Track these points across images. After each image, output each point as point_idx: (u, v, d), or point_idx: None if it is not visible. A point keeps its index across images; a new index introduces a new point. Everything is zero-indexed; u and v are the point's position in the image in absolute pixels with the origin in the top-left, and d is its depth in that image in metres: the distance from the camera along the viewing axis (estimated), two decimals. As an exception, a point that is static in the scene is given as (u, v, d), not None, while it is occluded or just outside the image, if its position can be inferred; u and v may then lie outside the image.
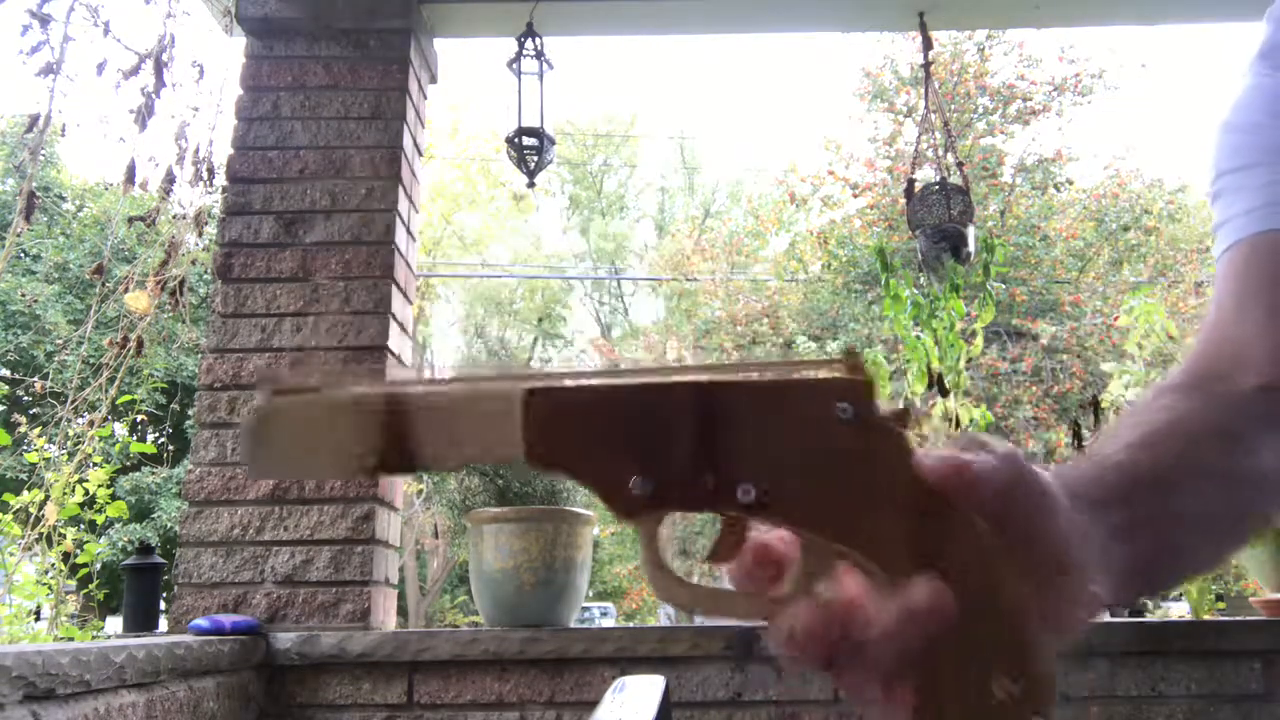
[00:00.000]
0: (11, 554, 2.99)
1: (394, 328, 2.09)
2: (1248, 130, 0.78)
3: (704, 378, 0.36)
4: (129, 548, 11.07)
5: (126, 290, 2.62)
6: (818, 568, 0.37)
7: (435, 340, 22.25)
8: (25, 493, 2.97)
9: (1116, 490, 0.51)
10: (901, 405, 0.39)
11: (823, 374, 0.35)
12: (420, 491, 14.93)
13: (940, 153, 2.79)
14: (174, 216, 2.65)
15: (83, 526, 3.07)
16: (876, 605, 0.35)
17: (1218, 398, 0.65)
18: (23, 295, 12.69)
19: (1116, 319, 2.54)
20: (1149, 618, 2.09)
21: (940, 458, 0.37)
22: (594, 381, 0.36)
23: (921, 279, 2.50)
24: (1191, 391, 0.67)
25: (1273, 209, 0.72)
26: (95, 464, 3.14)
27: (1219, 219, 0.76)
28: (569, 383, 0.36)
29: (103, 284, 2.86)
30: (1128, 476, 0.53)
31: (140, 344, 2.72)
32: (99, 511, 3.09)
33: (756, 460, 0.35)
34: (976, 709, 0.35)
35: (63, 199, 14.83)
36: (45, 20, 2.26)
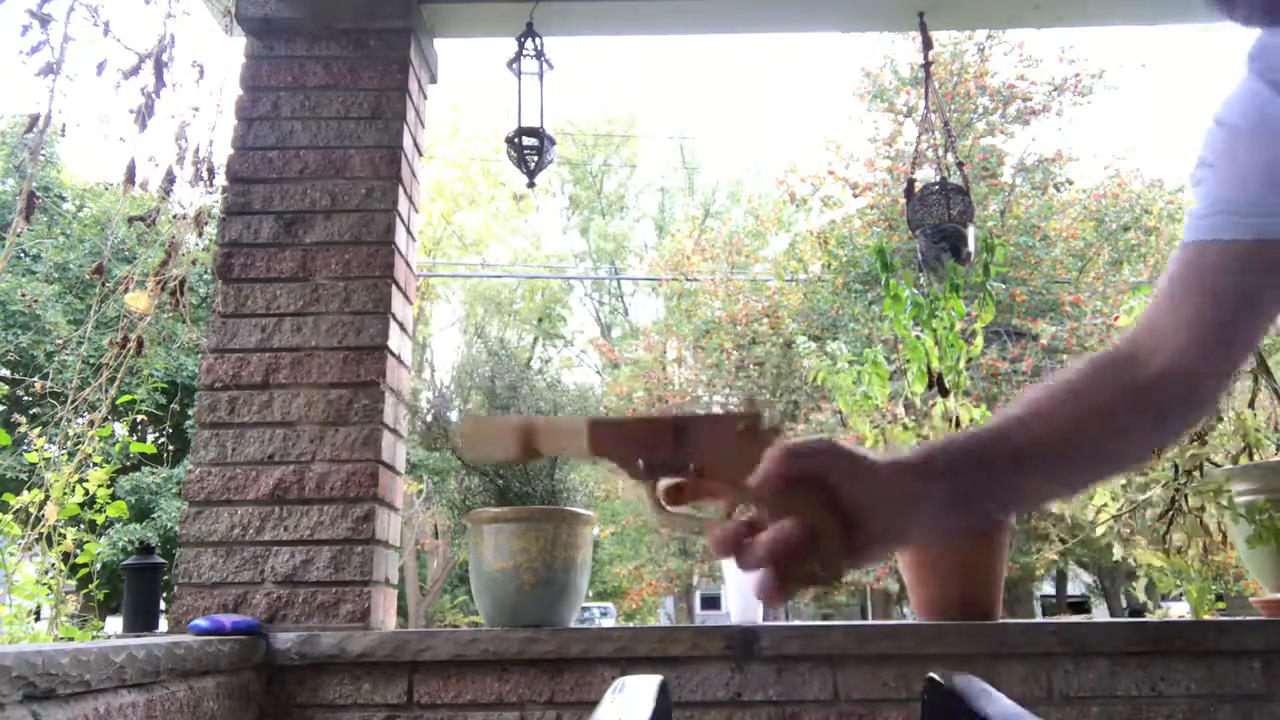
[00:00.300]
0: (11, 554, 2.99)
1: (394, 328, 2.09)
2: (1229, 130, 0.89)
3: (677, 415, 0.74)
4: (129, 548, 11.07)
5: (126, 290, 2.61)
6: (731, 507, 0.73)
7: (435, 340, 22.25)
8: (25, 493, 2.97)
9: (955, 462, 0.78)
10: (776, 423, 0.72)
11: (735, 412, 0.73)
12: (420, 491, 14.93)
13: (940, 153, 2.79)
14: (174, 216, 2.65)
15: (83, 526, 3.07)
16: (761, 527, 0.69)
17: (1124, 380, 0.86)
18: (23, 295, 12.69)
19: (1116, 319, 2.54)
20: (1149, 618, 2.09)
21: (783, 447, 0.71)
22: (619, 417, 0.70)
23: (921, 279, 2.50)
24: (1108, 369, 0.87)
25: (1218, 218, 0.86)
26: (95, 464, 3.14)
27: (1189, 210, 0.90)
28: (610, 417, 0.77)
29: (103, 284, 2.85)
30: (973, 451, 0.80)
31: (140, 344, 2.72)
32: (99, 511, 3.09)
33: (700, 451, 0.72)
34: (802, 575, 0.69)
35: (63, 199, 14.83)
36: (45, 20, 2.26)
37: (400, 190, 2.14)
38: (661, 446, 0.72)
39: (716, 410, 0.95)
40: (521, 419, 0.76)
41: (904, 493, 0.74)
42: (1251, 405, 2.19)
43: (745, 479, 0.70)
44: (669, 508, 0.73)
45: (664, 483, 0.73)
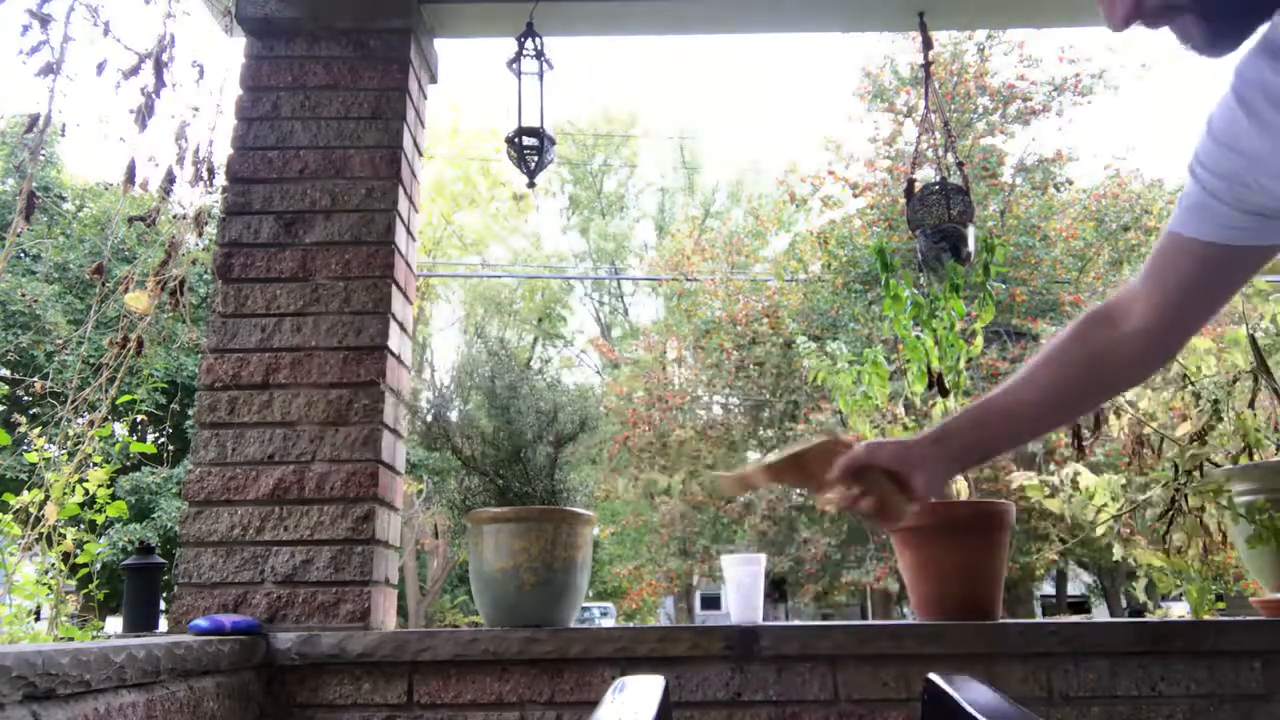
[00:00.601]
0: (11, 554, 2.99)
1: (394, 328, 2.09)
2: (1211, 137, 1.03)
3: (801, 449, 1.27)
4: (129, 548, 11.07)
5: (126, 290, 2.61)
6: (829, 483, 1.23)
7: (435, 340, 22.25)
8: (25, 493, 2.97)
9: (956, 428, 1.22)
10: (844, 436, 1.32)
11: (827, 440, 1.25)
12: (420, 491, 14.94)
13: (940, 153, 2.79)
14: (174, 216, 2.65)
15: (83, 526, 3.07)
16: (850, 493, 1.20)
17: (1095, 341, 1.16)
18: (23, 295, 12.68)
19: (1116, 319, 2.52)
20: (1149, 618, 2.09)
21: (850, 449, 1.21)
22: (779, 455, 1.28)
23: (921, 279, 2.50)
24: (1090, 327, 1.17)
25: (1187, 214, 1.06)
26: (95, 464, 3.14)
27: (1178, 201, 1.08)
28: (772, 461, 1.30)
29: (103, 284, 2.85)
30: (969, 417, 1.23)
31: (140, 344, 2.72)
32: (99, 511, 3.08)
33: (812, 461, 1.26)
34: (890, 516, 1.19)
35: (63, 199, 14.83)
36: (45, 20, 2.26)
37: (400, 190, 2.14)
38: (800, 474, 1.28)
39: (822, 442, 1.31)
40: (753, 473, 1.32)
41: (924, 455, 1.18)
42: (1251, 405, 2.19)
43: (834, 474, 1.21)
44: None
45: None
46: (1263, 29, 0.90)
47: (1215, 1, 0.86)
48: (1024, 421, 1.20)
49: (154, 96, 2.43)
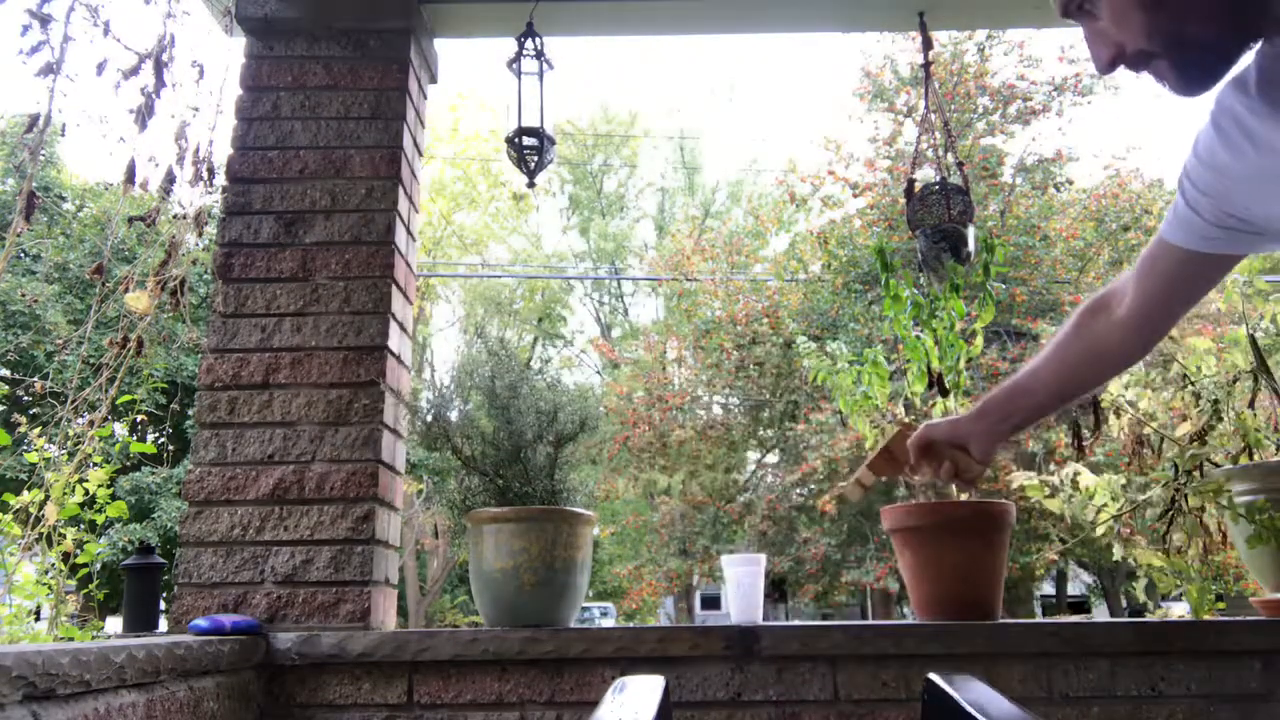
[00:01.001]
0: (11, 554, 2.99)
1: (394, 328, 2.09)
2: (1196, 155, 1.15)
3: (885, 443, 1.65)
4: (129, 548, 11.07)
5: (126, 290, 2.61)
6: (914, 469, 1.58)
7: (435, 340, 22.25)
8: (25, 493, 2.97)
9: (992, 404, 1.50)
10: (911, 421, 1.75)
11: (900, 428, 1.63)
12: (420, 491, 14.93)
13: (940, 153, 2.79)
14: (174, 216, 2.65)
15: (83, 526, 3.07)
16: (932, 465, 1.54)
17: (1095, 325, 1.38)
18: (23, 295, 12.68)
19: (1116, 319, 2.52)
20: (1149, 618, 2.09)
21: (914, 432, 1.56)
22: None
23: (921, 279, 2.50)
24: (1094, 311, 1.39)
25: (1172, 222, 1.21)
26: (95, 464, 3.14)
27: (1169, 209, 1.23)
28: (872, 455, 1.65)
29: (103, 284, 2.85)
30: (1002, 393, 1.49)
31: (140, 344, 2.72)
32: (99, 511, 3.08)
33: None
34: (968, 478, 1.54)
35: (63, 199, 14.83)
36: (45, 20, 2.26)
37: (400, 190, 2.14)
38: (892, 461, 1.61)
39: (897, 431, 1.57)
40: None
41: (970, 428, 1.49)
42: (1251, 405, 2.19)
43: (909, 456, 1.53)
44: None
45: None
46: (1241, 62, 0.99)
47: (1186, 53, 0.98)
48: (1044, 396, 1.44)
49: (154, 96, 2.43)
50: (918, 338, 2.11)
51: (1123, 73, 1.03)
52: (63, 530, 2.98)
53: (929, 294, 2.15)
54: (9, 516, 2.94)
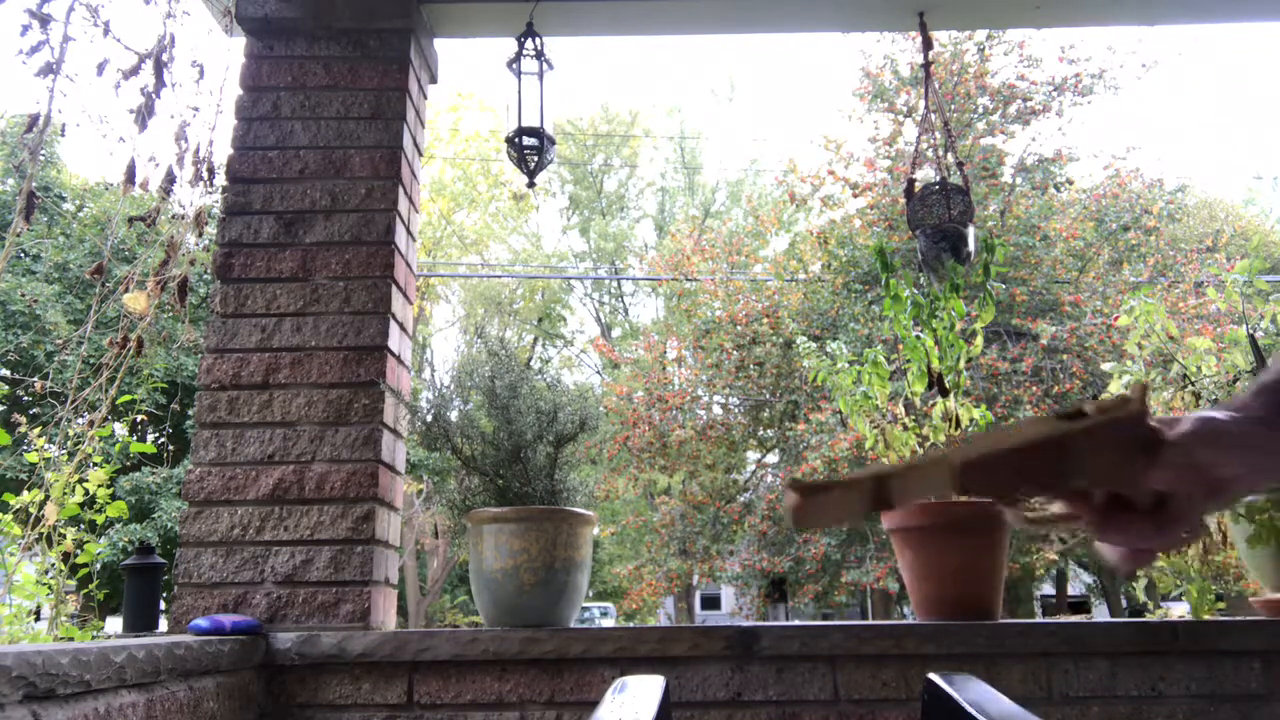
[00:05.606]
0: (11, 554, 2.99)
1: (394, 328, 2.09)
2: None
3: (1051, 433, 0.68)
4: (129, 548, 11.07)
5: (126, 290, 2.61)
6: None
7: (435, 340, 22.25)
8: (25, 493, 2.97)
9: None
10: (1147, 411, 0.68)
11: (1119, 415, 0.68)
12: (420, 491, 14.93)
13: (940, 153, 2.79)
14: (174, 216, 2.65)
15: (83, 526, 3.07)
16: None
17: None
18: (23, 295, 12.68)
19: (1116, 319, 2.54)
20: (1149, 618, 2.09)
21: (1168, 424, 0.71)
22: (987, 450, 0.68)
23: (921, 279, 2.50)
24: None
25: None
26: (95, 464, 3.14)
27: None
28: (978, 452, 0.68)
29: (103, 284, 2.85)
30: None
31: (140, 344, 2.72)
32: (99, 511, 3.09)
33: (1087, 467, 0.68)
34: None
35: (63, 199, 14.83)
36: (45, 20, 2.26)
37: (400, 190, 2.14)
38: (1041, 474, 0.67)
39: (1094, 415, 0.69)
40: (867, 475, 0.70)
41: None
42: (1251, 405, 2.19)
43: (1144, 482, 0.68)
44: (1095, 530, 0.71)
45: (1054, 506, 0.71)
46: None
47: None
48: None
49: (154, 96, 2.43)
50: (918, 338, 2.11)
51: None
52: (63, 530, 2.98)
53: (929, 294, 2.15)
54: (9, 516, 2.94)
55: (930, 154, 2.95)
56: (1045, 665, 1.74)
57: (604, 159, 26.23)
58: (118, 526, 11.46)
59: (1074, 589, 21.73)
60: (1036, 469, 0.67)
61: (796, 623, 1.99)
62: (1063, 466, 0.67)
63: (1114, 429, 0.66)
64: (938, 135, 2.79)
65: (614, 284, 25.41)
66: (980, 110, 12.79)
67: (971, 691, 0.77)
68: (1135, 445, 0.66)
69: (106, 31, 2.38)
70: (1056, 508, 0.72)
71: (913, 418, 2.17)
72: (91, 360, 3.76)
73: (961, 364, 2.08)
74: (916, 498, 0.70)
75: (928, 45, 2.58)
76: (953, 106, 12.23)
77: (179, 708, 1.41)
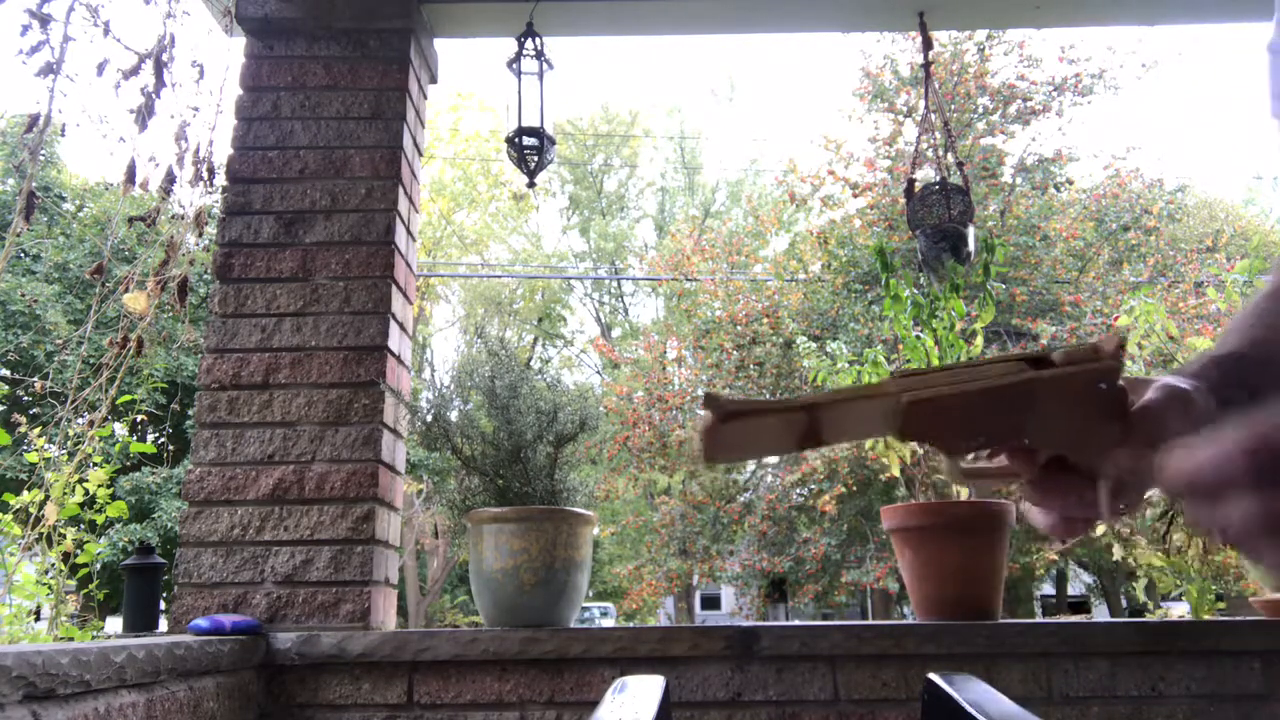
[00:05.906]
0: (11, 554, 2.99)
1: (394, 327, 2.09)
2: None
3: (1014, 380, 0.60)
4: (129, 548, 11.07)
5: (126, 290, 2.61)
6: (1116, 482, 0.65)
7: (435, 340, 22.25)
8: (25, 493, 2.97)
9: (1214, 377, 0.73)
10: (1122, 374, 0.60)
11: (1088, 366, 0.60)
12: (420, 491, 14.93)
13: (940, 153, 2.79)
14: (174, 216, 2.65)
15: (83, 526, 3.07)
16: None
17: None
18: (23, 295, 12.68)
19: (1116, 319, 2.54)
20: (1149, 618, 2.09)
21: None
22: (942, 392, 0.59)
23: (921, 279, 2.50)
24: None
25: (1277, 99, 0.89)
26: (95, 464, 3.14)
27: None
28: (926, 393, 0.59)
29: (103, 284, 2.85)
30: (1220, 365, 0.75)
31: (140, 344, 2.72)
32: (99, 511, 3.09)
33: (1045, 422, 0.61)
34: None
35: (63, 199, 14.83)
36: (45, 20, 2.26)
37: (400, 190, 2.14)
38: (997, 425, 0.59)
39: (1062, 364, 0.60)
40: (799, 402, 0.59)
41: None
42: (1251, 405, 2.19)
43: (1109, 451, 0.59)
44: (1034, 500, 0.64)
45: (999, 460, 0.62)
46: None
47: None
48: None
49: (154, 96, 2.43)
50: (918, 338, 2.11)
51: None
52: (63, 530, 2.98)
53: (929, 294, 2.15)
54: (9, 516, 2.94)
55: (930, 154, 2.95)
56: (1045, 665, 1.74)
57: (604, 159, 26.23)
58: (118, 526, 11.47)
59: (1074, 589, 21.73)
60: (993, 420, 0.59)
61: (796, 623, 1.99)
62: (1023, 421, 0.59)
63: (1086, 384, 0.59)
64: (938, 135, 2.79)
65: (614, 284, 25.41)
66: (980, 110, 12.79)
67: (971, 691, 0.77)
68: (1107, 407, 0.59)
69: (106, 31, 2.38)
70: (997, 462, 0.64)
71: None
72: (91, 360, 3.76)
73: (961, 364, 2.08)
74: (853, 436, 0.61)
75: (928, 45, 2.58)
76: (953, 106, 12.23)
77: (179, 708, 1.41)
